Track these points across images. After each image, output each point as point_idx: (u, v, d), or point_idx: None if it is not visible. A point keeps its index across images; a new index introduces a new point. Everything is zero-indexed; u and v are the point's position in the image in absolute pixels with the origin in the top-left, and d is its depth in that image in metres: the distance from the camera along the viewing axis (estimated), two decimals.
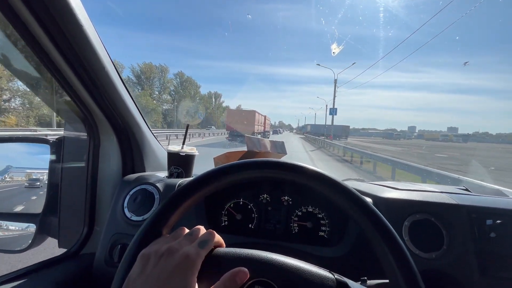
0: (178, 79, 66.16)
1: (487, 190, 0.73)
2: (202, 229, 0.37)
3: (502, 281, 0.55)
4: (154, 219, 0.36)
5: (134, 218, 0.65)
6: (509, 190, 0.82)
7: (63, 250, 0.70)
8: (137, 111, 0.76)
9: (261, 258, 0.33)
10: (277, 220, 0.72)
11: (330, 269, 0.34)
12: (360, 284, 0.36)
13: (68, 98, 0.63)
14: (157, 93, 59.90)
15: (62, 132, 0.74)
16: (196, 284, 0.30)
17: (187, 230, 0.37)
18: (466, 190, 0.74)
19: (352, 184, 0.61)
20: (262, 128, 30.76)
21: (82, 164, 0.71)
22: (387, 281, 0.34)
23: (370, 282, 0.37)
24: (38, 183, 0.78)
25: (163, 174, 0.78)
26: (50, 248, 0.75)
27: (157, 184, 0.69)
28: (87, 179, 0.71)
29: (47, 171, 0.71)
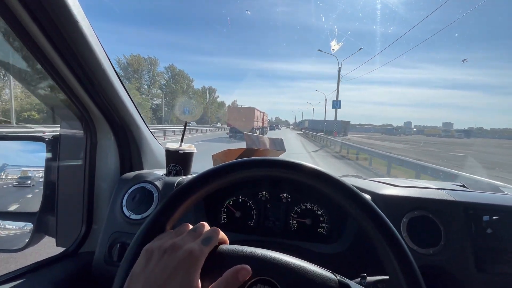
0: (169, 73, 65.19)
1: (484, 186, 0.77)
2: (206, 226, 0.38)
3: (498, 276, 0.59)
4: (158, 214, 0.37)
5: (133, 216, 0.67)
6: (507, 186, 0.86)
7: (60, 249, 0.72)
8: (134, 108, 0.78)
9: (265, 256, 0.35)
10: (276, 217, 0.74)
11: (329, 265, 0.36)
12: (360, 280, 0.39)
13: (64, 96, 0.64)
14: (146, 87, 58.77)
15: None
16: (199, 281, 0.31)
17: (190, 226, 0.38)
18: (463, 186, 0.78)
19: (350, 181, 0.63)
20: (261, 124, 32.28)
21: (79, 162, 0.73)
22: (387, 277, 0.36)
23: (370, 278, 0.39)
24: (29, 182, 0.79)
25: (161, 171, 0.81)
26: (46, 248, 0.77)
27: (156, 182, 0.71)
28: (85, 178, 0.73)
29: (42, 169, 0.73)
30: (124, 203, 0.69)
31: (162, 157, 0.91)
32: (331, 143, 17.00)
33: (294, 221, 0.73)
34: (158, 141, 0.94)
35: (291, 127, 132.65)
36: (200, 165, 0.84)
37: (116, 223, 0.68)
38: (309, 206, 0.73)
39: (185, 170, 0.81)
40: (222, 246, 0.37)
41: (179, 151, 0.79)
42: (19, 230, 0.71)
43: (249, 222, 0.75)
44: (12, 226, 0.72)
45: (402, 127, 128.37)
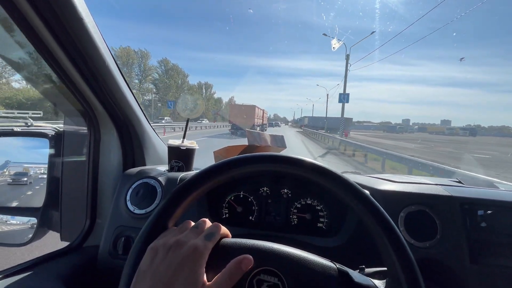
0: (162, 67, 64.17)
1: (480, 182, 0.82)
2: (208, 222, 0.41)
3: (492, 267, 0.63)
4: (160, 213, 0.39)
5: (137, 211, 0.71)
6: (501, 181, 0.91)
7: (64, 243, 0.76)
8: (137, 104, 0.82)
9: (267, 248, 0.37)
10: (277, 212, 0.79)
11: (329, 258, 0.40)
12: (359, 272, 0.42)
13: (68, 92, 0.68)
14: (136, 81, 57.34)
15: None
16: (205, 275, 0.34)
17: (192, 223, 0.41)
18: (459, 182, 0.83)
19: (349, 177, 0.67)
20: (261, 121, 33.76)
21: (83, 158, 0.77)
22: (385, 268, 0.39)
23: (368, 270, 0.42)
24: (25, 179, 0.83)
25: (164, 168, 0.84)
26: (50, 242, 0.81)
27: (159, 178, 0.75)
28: (88, 173, 0.77)
29: (44, 166, 0.77)
30: (128, 198, 0.73)
31: (164, 153, 0.95)
32: (337, 142, 15.36)
33: (295, 216, 0.77)
34: (160, 138, 0.98)
35: (289, 124, 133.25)
36: (202, 162, 0.88)
37: (121, 217, 0.72)
38: (309, 202, 0.77)
39: (187, 166, 0.84)
40: (225, 240, 0.39)
41: (181, 148, 0.83)
42: (24, 225, 0.75)
43: (250, 217, 0.79)
44: (16, 221, 0.76)
45: (402, 125, 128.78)
